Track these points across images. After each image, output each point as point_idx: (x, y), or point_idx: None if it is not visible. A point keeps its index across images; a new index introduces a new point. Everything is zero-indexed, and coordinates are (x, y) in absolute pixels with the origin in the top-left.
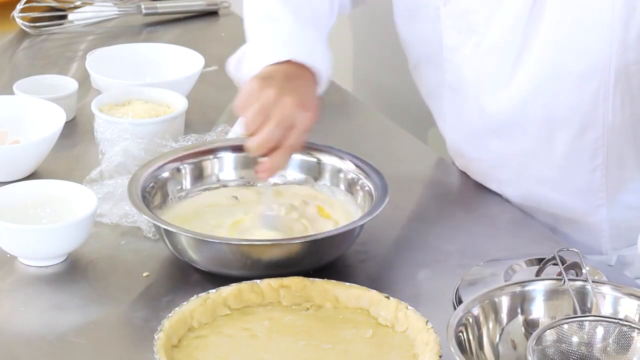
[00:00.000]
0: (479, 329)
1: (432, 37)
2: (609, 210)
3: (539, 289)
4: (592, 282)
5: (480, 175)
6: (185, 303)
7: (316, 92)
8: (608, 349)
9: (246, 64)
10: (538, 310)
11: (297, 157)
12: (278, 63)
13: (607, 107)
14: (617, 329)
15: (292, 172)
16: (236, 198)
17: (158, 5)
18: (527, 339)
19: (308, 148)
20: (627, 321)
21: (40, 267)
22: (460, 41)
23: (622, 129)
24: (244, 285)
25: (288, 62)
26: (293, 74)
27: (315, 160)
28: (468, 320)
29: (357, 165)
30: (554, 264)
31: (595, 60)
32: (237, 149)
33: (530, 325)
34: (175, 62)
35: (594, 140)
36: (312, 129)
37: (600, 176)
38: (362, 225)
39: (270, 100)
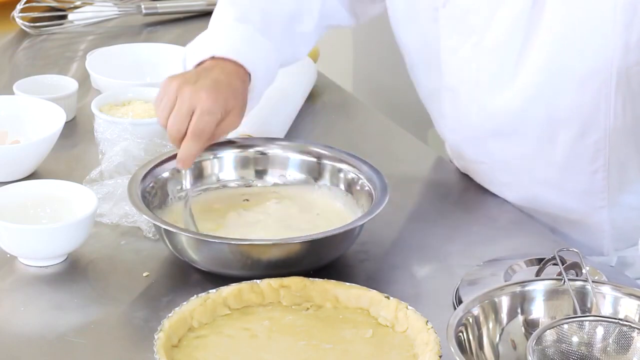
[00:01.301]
0: (479, 329)
1: (430, 39)
2: (610, 211)
3: (539, 289)
4: (592, 282)
5: (480, 177)
6: (185, 303)
7: (237, 83)
8: (608, 349)
9: (187, 64)
10: (538, 310)
11: (297, 157)
12: (208, 59)
13: (609, 108)
14: (617, 329)
15: (292, 172)
16: (247, 200)
17: (158, 5)
18: (527, 339)
19: (308, 148)
20: (627, 321)
21: (40, 267)
22: (459, 42)
23: (624, 130)
24: (244, 285)
25: (217, 59)
26: (212, 68)
27: (315, 160)
28: (468, 320)
29: (357, 165)
30: (554, 264)
31: (597, 62)
32: (237, 148)
33: (530, 325)
34: (175, 62)
35: (595, 142)
36: (214, 112)
37: (602, 178)
38: (362, 225)
39: (171, 92)
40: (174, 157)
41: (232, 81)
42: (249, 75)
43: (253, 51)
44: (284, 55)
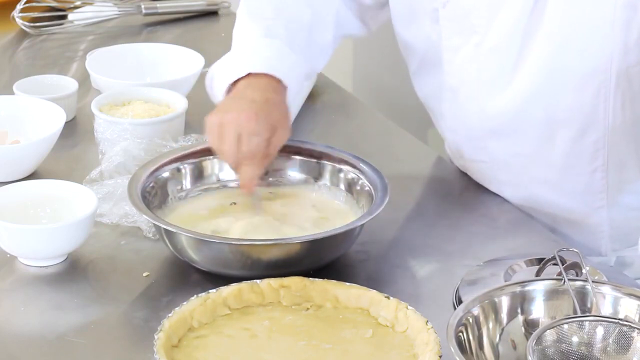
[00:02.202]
0: (479, 329)
1: (431, 39)
2: (609, 211)
3: (539, 289)
4: (592, 282)
5: (480, 176)
6: (185, 303)
7: (275, 97)
8: (608, 349)
9: (216, 84)
10: (538, 310)
11: (297, 158)
12: (245, 78)
13: (608, 108)
14: (617, 329)
15: (292, 172)
16: (235, 204)
17: (158, 5)
18: (527, 339)
19: (308, 148)
20: (627, 321)
21: (40, 267)
22: (460, 42)
23: (623, 130)
24: (244, 285)
25: (250, 77)
26: (245, 89)
27: (315, 160)
28: (468, 320)
29: (357, 165)
30: (554, 264)
31: (596, 62)
32: None
33: (530, 325)
34: (175, 62)
35: (595, 142)
36: (259, 132)
37: (601, 178)
38: (362, 225)
39: (215, 127)
40: (174, 157)
41: (270, 96)
42: (285, 88)
43: (285, 65)
44: (308, 66)
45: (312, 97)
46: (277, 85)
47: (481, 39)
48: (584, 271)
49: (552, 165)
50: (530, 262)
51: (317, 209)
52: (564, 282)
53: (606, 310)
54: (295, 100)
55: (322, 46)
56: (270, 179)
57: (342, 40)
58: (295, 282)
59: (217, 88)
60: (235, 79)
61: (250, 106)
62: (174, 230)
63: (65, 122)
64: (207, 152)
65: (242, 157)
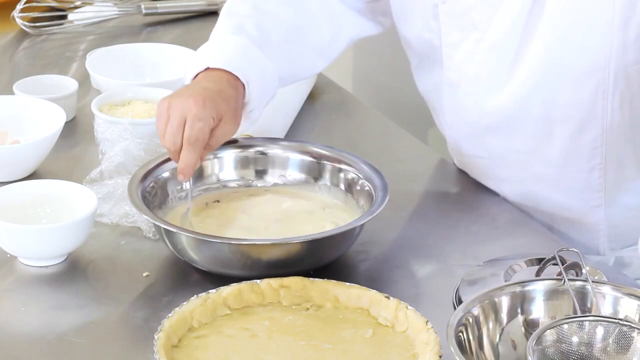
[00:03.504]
0: (479, 329)
1: (431, 35)
2: (607, 210)
3: (539, 289)
4: (592, 282)
5: (478, 172)
6: (185, 303)
7: (228, 90)
8: (608, 349)
9: (186, 71)
10: (538, 310)
11: (297, 157)
12: (204, 71)
13: (606, 106)
14: (617, 329)
15: (292, 172)
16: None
17: (158, 5)
18: (527, 339)
19: (308, 148)
20: (627, 321)
21: (40, 267)
22: (460, 38)
23: (621, 129)
24: (244, 285)
25: (211, 71)
26: (202, 79)
27: (315, 160)
28: (468, 320)
29: (357, 165)
30: (554, 264)
31: (595, 60)
32: (237, 148)
33: (530, 325)
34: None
35: (593, 140)
36: (204, 118)
37: (599, 176)
38: (362, 225)
39: (164, 109)
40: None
41: (223, 88)
42: (244, 86)
43: (246, 62)
44: (288, 66)
45: (312, 97)
46: (234, 81)
47: (481, 35)
48: (584, 271)
49: (550, 163)
50: (530, 262)
51: (317, 208)
52: (564, 282)
53: (606, 310)
54: (261, 100)
55: (316, 46)
56: (271, 178)
57: (356, 41)
58: (295, 282)
59: (186, 82)
60: (195, 73)
61: (200, 92)
62: (174, 230)
63: (65, 122)
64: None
65: (185, 142)
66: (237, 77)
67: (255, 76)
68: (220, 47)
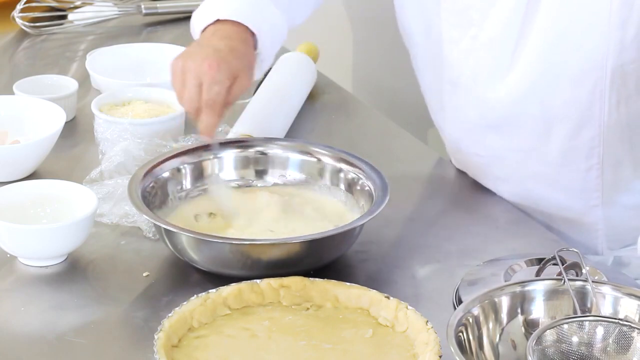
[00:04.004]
0: (479, 329)
1: (434, 31)
2: (605, 210)
3: (539, 289)
4: (592, 282)
5: (476, 171)
6: (185, 303)
7: (239, 45)
8: (608, 349)
9: (193, 30)
10: (538, 310)
11: (297, 157)
12: (213, 24)
13: (604, 105)
14: (617, 329)
15: (292, 172)
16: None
17: (158, 5)
18: (527, 339)
19: (308, 148)
20: (627, 321)
21: (40, 267)
22: (459, 34)
23: (618, 128)
24: (244, 285)
25: (222, 22)
26: (212, 35)
27: (315, 160)
28: (468, 320)
29: (357, 165)
30: (554, 264)
31: (592, 58)
32: (237, 148)
33: (530, 325)
34: None
35: (590, 139)
36: (220, 80)
37: (596, 176)
38: (362, 225)
39: (179, 72)
40: (174, 157)
41: (234, 45)
42: (255, 36)
43: (256, 12)
44: (292, 13)
45: (312, 97)
46: (244, 34)
47: (477, 31)
48: (584, 271)
49: (548, 162)
50: (530, 262)
51: (317, 208)
52: (564, 282)
53: (606, 310)
54: (272, 49)
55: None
56: (271, 178)
57: (330, 31)
58: (295, 282)
59: (195, 35)
60: (205, 25)
61: (213, 54)
62: (174, 230)
63: (65, 122)
64: (207, 152)
65: (202, 105)
66: (247, 27)
67: (265, 26)
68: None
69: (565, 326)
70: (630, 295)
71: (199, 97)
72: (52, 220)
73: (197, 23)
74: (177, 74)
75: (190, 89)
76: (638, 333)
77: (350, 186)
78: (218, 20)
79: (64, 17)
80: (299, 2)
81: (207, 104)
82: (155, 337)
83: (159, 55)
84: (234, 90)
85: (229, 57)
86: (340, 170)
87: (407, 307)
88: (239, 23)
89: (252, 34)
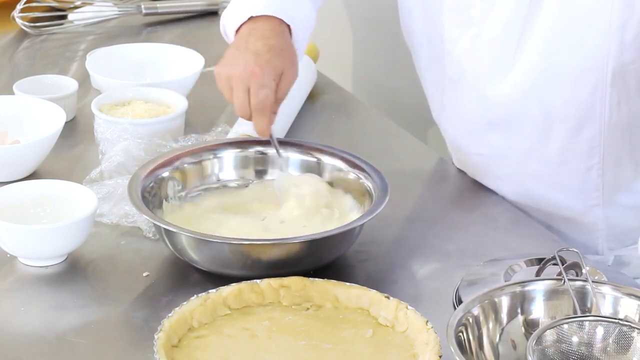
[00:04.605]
0: (479, 329)
1: (435, 30)
2: (605, 210)
3: (539, 289)
4: (592, 282)
5: (477, 170)
6: (185, 303)
7: (276, 42)
8: (608, 349)
9: (227, 30)
10: (538, 310)
11: (297, 157)
12: (247, 22)
13: (604, 105)
14: (617, 329)
15: (292, 172)
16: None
17: (158, 5)
18: (527, 339)
19: (308, 148)
20: (627, 321)
21: (40, 267)
22: (460, 33)
23: (619, 128)
24: (244, 285)
25: (256, 19)
26: (248, 37)
27: (315, 160)
28: (468, 320)
29: (357, 165)
30: (554, 264)
31: (593, 58)
32: (237, 148)
33: (530, 325)
34: (175, 62)
35: (590, 139)
36: (266, 83)
37: (597, 176)
38: (362, 225)
39: (225, 81)
40: (174, 157)
41: (272, 42)
42: (289, 27)
43: (286, 3)
44: (314, 5)
45: (312, 97)
46: (279, 28)
47: (479, 30)
48: (584, 271)
49: (548, 161)
50: (530, 262)
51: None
52: (564, 282)
53: (606, 310)
54: (305, 36)
55: None
56: (271, 178)
57: (330, 31)
58: (295, 282)
59: (229, 34)
60: (239, 24)
61: (254, 59)
62: (174, 230)
63: (65, 122)
64: (207, 152)
65: (253, 110)
66: (281, 20)
67: (298, 16)
68: None
69: (565, 326)
70: (630, 295)
71: (248, 102)
72: (52, 220)
73: (230, 23)
74: (223, 82)
75: (239, 96)
76: (638, 333)
77: (351, 186)
78: (251, 18)
79: (64, 17)
80: None
81: (256, 108)
82: (155, 337)
83: (159, 55)
84: (282, 87)
85: (269, 57)
86: (340, 170)
87: (407, 307)
88: (272, 17)
89: (287, 25)
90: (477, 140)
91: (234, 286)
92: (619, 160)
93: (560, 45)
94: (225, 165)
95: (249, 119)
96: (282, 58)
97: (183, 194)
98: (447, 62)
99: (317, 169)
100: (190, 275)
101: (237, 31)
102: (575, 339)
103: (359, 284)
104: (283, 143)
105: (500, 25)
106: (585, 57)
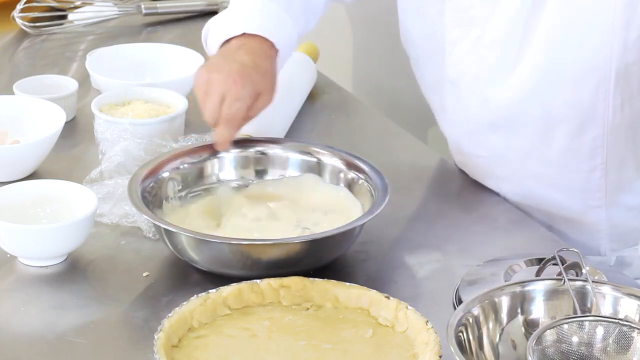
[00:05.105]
0: (479, 329)
1: (436, 31)
2: (607, 211)
3: (539, 289)
4: (592, 282)
5: (478, 171)
6: (185, 303)
7: (265, 63)
8: (608, 349)
9: (210, 38)
10: (538, 310)
11: (297, 157)
12: (239, 37)
13: (607, 105)
14: (617, 329)
15: (292, 172)
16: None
17: (158, 5)
18: (527, 339)
19: (308, 148)
20: (627, 321)
21: (40, 267)
22: (462, 34)
23: (622, 128)
24: (244, 285)
25: (249, 36)
26: (238, 49)
27: (315, 160)
28: (468, 320)
29: (357, 165)
30: (554, 264)
31: (595, 59)
32: (237, 148)
33: (530, 325)
34: (175, 62)
35: (593, 139)
36: (242, 98)
37: (599, 177)
38: (362, 225)
39: (202, 82)
40: (174, 157)
41: (260, 62)
42: (277, 52)
43: (280, 29)
44: (300, 28)
45: (312, 97)
46: (268, 49)
47: (481, 31)
48: (584, 271)
49: (550, 162)
50: (530, 262)
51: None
52: (564, 282)
53: (606, 310)
54: (283, 63)
55: (315, 7)
56: (271, 178)
57: (330, 31)
58: (295, 282)
59: (211, 42)
60: (230, 37)
61: (238, 70)
62: (174, 230)
63: (65, 122)
64: (207, 152)
65: (222, 119)
66: (271, 44)
67: (286, 43)
68: (257, 13)
69: (565, 326)
70: (630, 295)
71: (220, 110)
72: (52, 220)
73: (219, 33)
74: (201, 84)
75: (213, 101)
76: (638, 333)
77: (350, 186)
78: (244, 34)
79: (64, 17)
80: (310, 12)
81: (226, 118)
82: (155, 337)
83: (159, 55)
84: (256, 107)
85: (253, 74)
86: (340, 170)
87: (407, 307)
88: (265, 39)
89: (276, 50)
90: (478, 142)
91: (234, 286)
92: (622, 161)
93: (563, 45)
94: (225, 165)
95: (214, 126)
96: (264, 80)
97: (183, 194)
98: (448, 63)
99: (317, 169)
100: (190, 275)
101: (224, 43)
102: (575, 339)
103: (359, 284)
104: (283, 143)
105: (503, 26)
106: (588, 57)
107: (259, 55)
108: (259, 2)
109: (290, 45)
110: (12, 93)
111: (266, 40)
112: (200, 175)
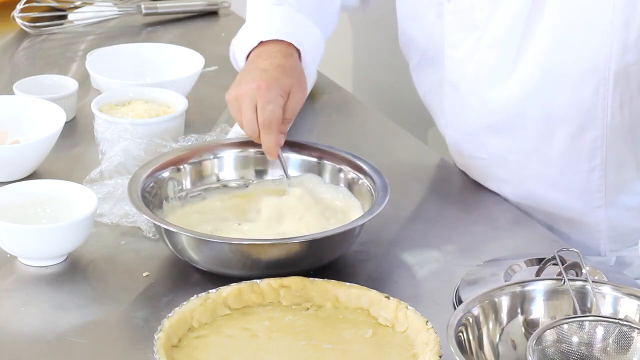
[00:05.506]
0: (479, 329)
1: (435, 34)
2: (607, 211)
3: (539, 289)
4: (592, 282)
5: (478, 173)
6: (185, 303)
7: (284, 61)
8: (608, 349)
9: (237, 57)
10: (538, 310)
11: (297, 157)
12: (256, 47)
13: (607, 106)
14: (617, 329)
15: (292, 172)
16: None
17: (158, 5)
18: (527, 339)
19: (308, 148)
20: (627, 321)
21: (40, 267)
22: (462, 37)
23: (621, 129)
24: (244, 285)
25: (265, 43)
26: (256, 59)
27: (315, 160)
28: (468, 320)
29: (357, 165)
30: (554, 264)
31: (595, 60)
32: (237, 148)
33: (530, 325)
34: (175, 62)
35: (593, 140)
36: (273, 99)
37: (599, 177)
38: (362, 225)
39: (234, 102)
40: (174, 157)
41: (281, 62)
42: (299, 51)
43: (296, 28)
44: (322, 29)
45: (312, 97)
46: (288, 50)
47: (481, 34)
48: (584, 271)
49: (550, 163)
50: (530, 262)
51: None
52: (564, 282)
53: (606, 310)
54: (313, 62)
55: (330, 15)
56: (271, 178)
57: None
58: (295, 282)
59: (239, 61)
60: (249, 50)
61: (261, 76)
62: (174, 230)
63: (65, 122)
64: (207, 152)
65: (260, 126)
66: (289, 44)
67: (307, 41)
68: (268, 19)
69: (565, 326)
70: (630, 295)
71: (255, 120)
72: (52, 220)
73: (240, 50)
74: (233, 103)
75: (247, 113)
76: (638, 333)
77: (350, 186)
78: (261, 42)
79: (64, 17)
80: (328, 16)
81: (263, 124)
82: (155, 337)
83: (159, 55)
84: (290, 106)
85: (277, 74)
86: (340, 170)
87: (407, 307)
88: (281, 41)
89: (296, 49)
90: (478, 144)
91: (234, 286)
92: (622, 162)
93: (563, 46)
94: (225, 165)
95: (258, 138)
96: (290, 77)
97: (183, 194)
98: (448, 65)
99: (317, 169)
100: (190, 275)
101: (247, 57)
102: (575, 339)
103: (359, 284)
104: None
105: (504, 27)
106: (588, 58)
107: (279, 56)
108: (271, 8)
109: (313, 42)
110: (12, 93)
111: (283, 41)
112: (200, 175)
